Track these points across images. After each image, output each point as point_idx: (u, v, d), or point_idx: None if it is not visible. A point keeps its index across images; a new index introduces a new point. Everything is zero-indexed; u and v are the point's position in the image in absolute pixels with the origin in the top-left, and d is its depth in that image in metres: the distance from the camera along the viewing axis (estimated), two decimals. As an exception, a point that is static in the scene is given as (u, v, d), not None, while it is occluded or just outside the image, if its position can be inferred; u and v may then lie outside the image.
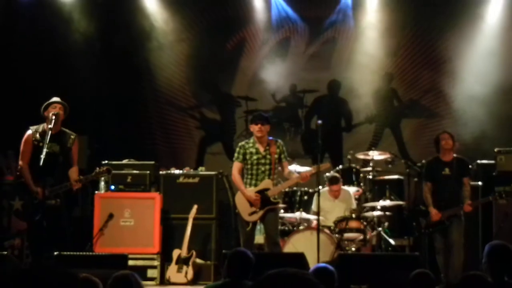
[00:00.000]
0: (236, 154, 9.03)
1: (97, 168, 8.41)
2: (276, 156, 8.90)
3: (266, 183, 8.86)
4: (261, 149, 8.91)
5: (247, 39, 13.35)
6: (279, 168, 9.09)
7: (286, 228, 10.13)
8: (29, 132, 8.30)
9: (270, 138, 9.00)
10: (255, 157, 8.89)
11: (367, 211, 10.33)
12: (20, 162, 8.31)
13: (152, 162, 10.36)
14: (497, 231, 9.52)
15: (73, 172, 8.29)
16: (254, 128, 8.90)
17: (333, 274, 5.47)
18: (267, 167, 8.88)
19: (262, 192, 8.81)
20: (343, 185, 10.42)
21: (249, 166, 8.92)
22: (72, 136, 8.39)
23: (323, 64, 13.28)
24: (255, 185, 8.88)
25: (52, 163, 7.95)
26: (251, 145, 8.96)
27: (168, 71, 13.31)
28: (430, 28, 12.81)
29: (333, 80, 13.23)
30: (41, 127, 8.28)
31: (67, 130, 8.41)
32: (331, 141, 12.52)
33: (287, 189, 10.40)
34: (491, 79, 12.17)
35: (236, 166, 8.96)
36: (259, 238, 9.72)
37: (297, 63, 13.31)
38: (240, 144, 9.10)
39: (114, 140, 12.53)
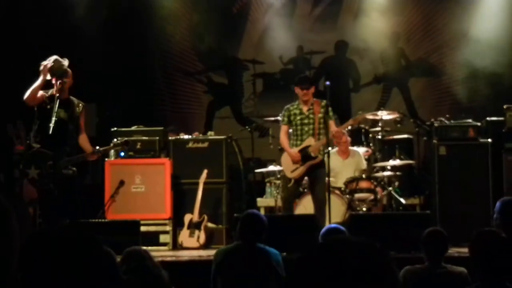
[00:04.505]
0: (282, 118, 9.21)
1: (114, 140, 8.40)
2: (320, 115, 9.00)
3: (308, 141, 9.02)
4: (305, 110, 9.05)
5: (252, 2, 13.27)
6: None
7: (297, 190, 10.14)
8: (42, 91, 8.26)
9: (315, 99, 9.11)
10: (298, 117, 9.06)
11: (377, 171, 10.34)
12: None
13: (161, 128, 10.35)
14: (508, 188, 9.50)
15: (85, 141, 8.28)
16: (300, 92, 9.00)
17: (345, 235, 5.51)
18: (311, 126, 9.03)
19: (303, 150, 8.95)
20: (352, 145, 10.43)
21: (294, 127, 9.13)
22: (81, 105, 8.37)
23: (330, 25, 13.22)
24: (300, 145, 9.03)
25: (61, 131, 7.94)
26: (295, 106, 9.14)
27: (174, 36, 13.26)
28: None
29: (340, 40, 13.16)
30: (50, 91, 8.25)
31: (75, 99, 8.38)
32: (339, 102, 12.49)
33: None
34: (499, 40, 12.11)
35: (283, 129, 9.21)
36: (270, 201, 9.73)
37: (303, 24, 13.24)
38: (285, 107, 9.25)
39: (122, 107, 12.51)
